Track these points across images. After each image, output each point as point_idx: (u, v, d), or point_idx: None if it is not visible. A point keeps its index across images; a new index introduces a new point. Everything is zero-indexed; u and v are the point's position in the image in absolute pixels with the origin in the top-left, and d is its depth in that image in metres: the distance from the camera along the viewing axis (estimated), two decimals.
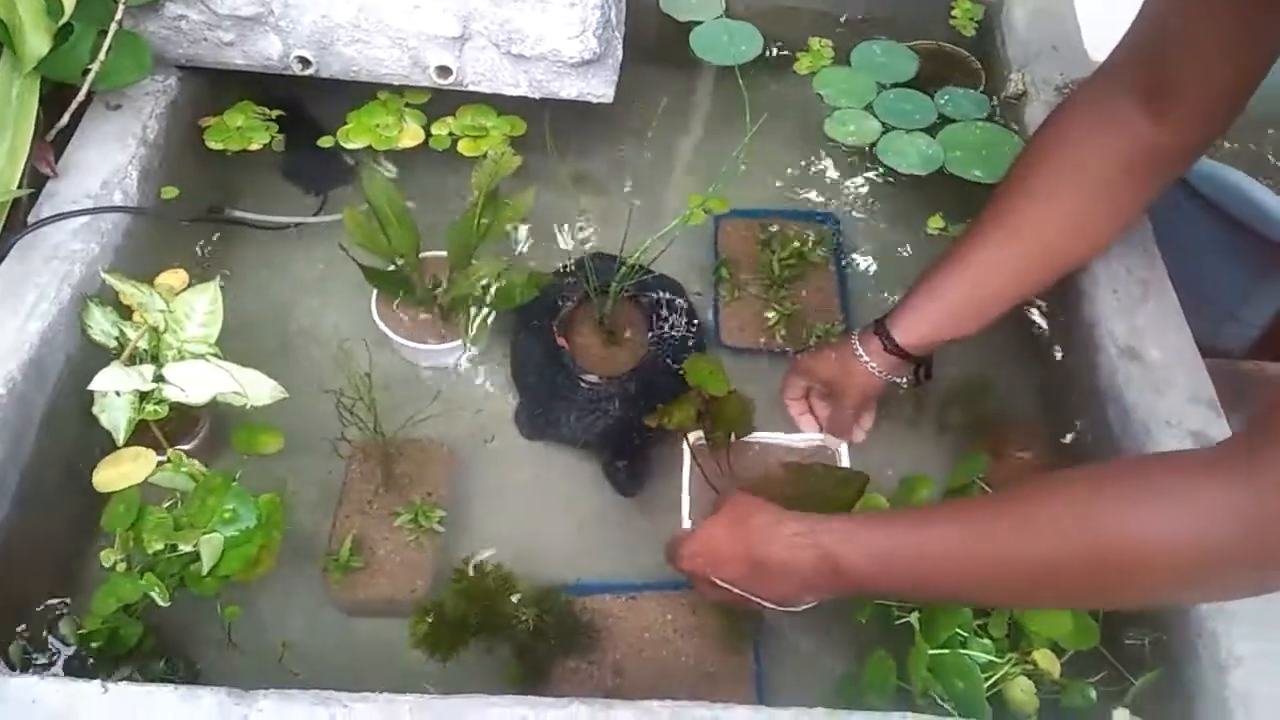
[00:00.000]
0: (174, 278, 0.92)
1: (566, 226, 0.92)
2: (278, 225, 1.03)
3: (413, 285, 0.92)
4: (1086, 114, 0.78)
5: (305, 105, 1.10)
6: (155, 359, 0.78)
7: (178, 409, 0.78)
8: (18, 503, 0.78)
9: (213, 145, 1.04)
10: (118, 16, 0.91)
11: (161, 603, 0.71)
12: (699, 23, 1.22)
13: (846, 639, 0.79)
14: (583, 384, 0.90)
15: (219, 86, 1.07)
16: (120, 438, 0.75)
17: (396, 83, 1.02)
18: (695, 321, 0.97)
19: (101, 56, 0.91)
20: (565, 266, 0.96)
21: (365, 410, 0.82)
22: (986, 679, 0.69)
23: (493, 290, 0.89)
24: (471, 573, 0.79)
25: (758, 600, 0.69)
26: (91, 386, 0.74)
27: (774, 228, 1.04)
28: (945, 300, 0.81)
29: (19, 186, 0.86)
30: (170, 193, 0.99)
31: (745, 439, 0.88)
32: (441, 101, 1.06)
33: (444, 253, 0.93)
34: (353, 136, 1.05)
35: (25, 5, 0.84)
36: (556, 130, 0.96)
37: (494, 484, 0.89)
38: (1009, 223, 0.80)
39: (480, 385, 0.94)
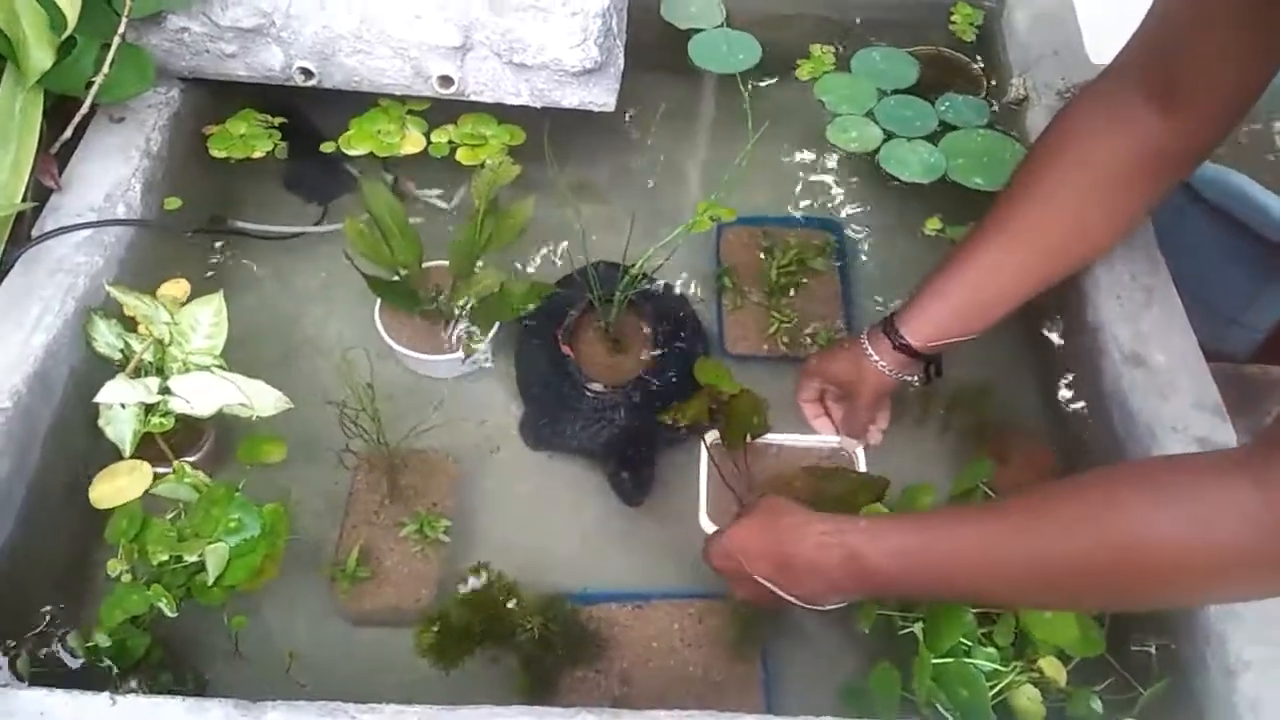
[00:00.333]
0: (177, 289, 0.92)
1: (567, 244, 0.92)
2: (280, 235, 1.03)
3: (417, 295, 0.92)
4: (1096, 111, 0.77)
5: (307, 114, 1.10)
6: (160, 371, 0.78)
7: (183, 421, 0.78)
8: (24, 516, 0.78)
9: (216, 153, 1.04)
10: (121, 29, 0.91)
11: (169, 613, 0.71)
12: (700, 30, 1.22)
13: (852, 648, 0.79)
14: (588, 393, 0.90)
15: (221, 97, 1.07)
16: (126, 450, 0.75)
17: (399, 93, 1.03)
18: (699, 329, 0.97)
19: (105, 69, 0.91)
20: (569, 275, 0.96)
21: (370, 421, 0.82)
22: (991, 687, 0.69)
23: (495, 300, 0.89)
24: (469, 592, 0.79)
25: (787, 598, 0.70)
26: (97, 399, 0.74)
27: (776, 235, 1.04)
28: (951, 300, 0.81)
29: (23, 200, 0.87)
30: (173, 204, 1.00)
31: (762, 441, 0.88)
32: (444, 108, 1.06)
33: (446, 262, 0.93)
34: (354, 143, 1.05)
35: (29, 19, 0.85)
36: (558, 139, 0.96)
37: (499, 494, 0.89)
38: (1013, 223, 0.80)
39: (485, 395, 0.94)
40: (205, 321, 0.80)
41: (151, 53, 0.97)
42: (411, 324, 0.93)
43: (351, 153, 1.05)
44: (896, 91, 1.17)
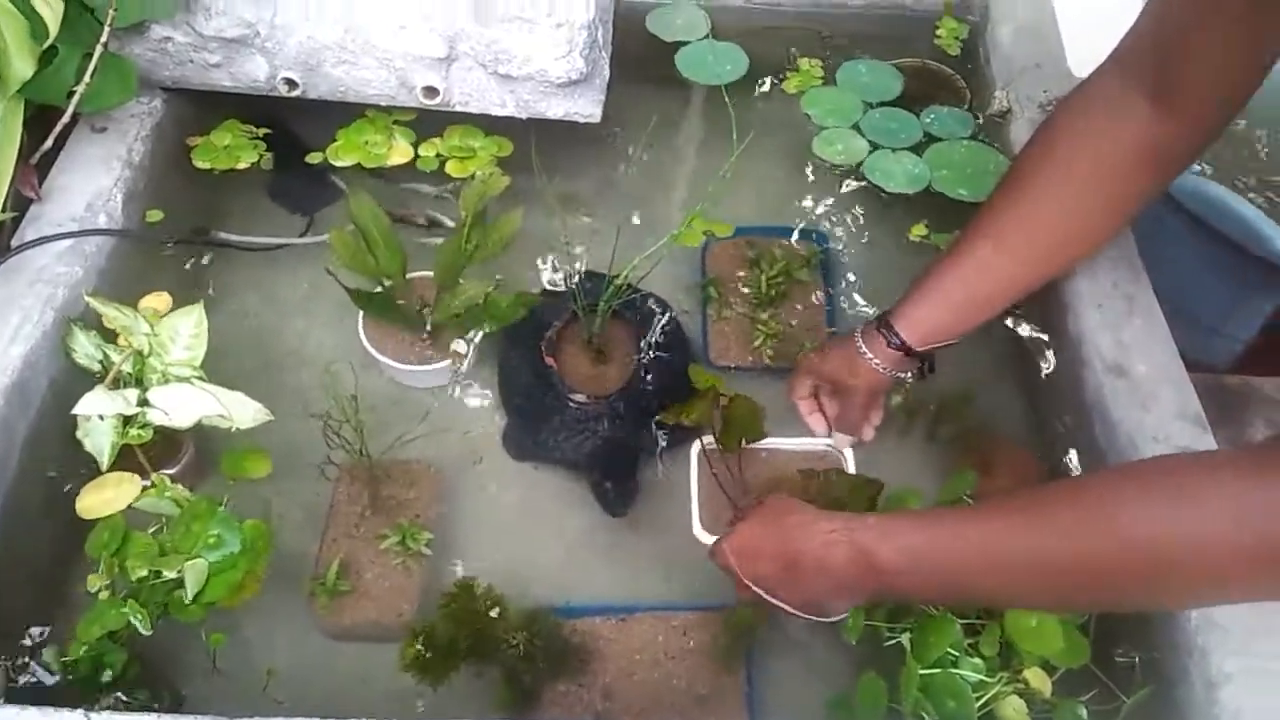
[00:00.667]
0: (158, 300, 0.92)
1: (552, 258, 0.92)
2: (263, 247, 1.02)
3: (400, 307, 0.92)
4: (1089, 107, 0.78)
5: (292, 125, 1.10)
6: (139, 382, 0.78)
7: (162, 433, 0.77)
8: (0, 528, 0.77)
9: (200, 164, 1.04)
10: (103, 39, 0.91)
11: (143, 631, 0.70)
12: (686, 43, 1.22)
13: (838, 660, 0.79)
14: (571, 404, 0.90)
15: (205, 108, 1.07)
16: (104, 462, 0.74)
17: (384, 103, 1.02)
18: (684, 340, 0.97)
19: (86, 79, 0.90)
20: (552, 285, 0.96)
21: (352, 432, 0.81)
22: (978, 698, 0.69)
23: (480, 311, 0.88)
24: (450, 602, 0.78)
25: (791, 611, 0.69)
26: (75, 411, 0.74)
27: (762, 247, 1.04)
28: (946, 298, 0.82)
29: (2, 210, 0.86)
30: (155, 215, 0.99)
31: (752, 445, 0.88)
32: (430, 119, 1.06)
33: (431, 273, 0.92)
34: (342, 154, 1.05)
35: (9, 28, 0.84)
36: (544, 150, 0.96)
37: (482, 505, 0.88)
38: (1007, 218, 0.80)
39: (468, 406, 0.94)
40: (185, 333, 0.79)
41: (134, 62, 0.96)
42: (395, 335, 0.93)
43: (339, 164, 1.05)
44: (882, 104, 1.17)
